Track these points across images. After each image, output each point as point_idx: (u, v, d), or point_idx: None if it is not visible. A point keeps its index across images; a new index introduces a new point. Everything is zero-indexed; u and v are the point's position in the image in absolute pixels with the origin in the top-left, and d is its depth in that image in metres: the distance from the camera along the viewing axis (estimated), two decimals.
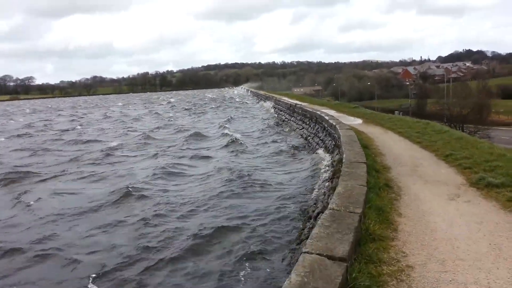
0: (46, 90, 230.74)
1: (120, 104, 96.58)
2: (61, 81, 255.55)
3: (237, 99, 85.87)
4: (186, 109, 62.93)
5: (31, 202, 13.25)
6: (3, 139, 33.24)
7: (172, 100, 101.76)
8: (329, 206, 5.04)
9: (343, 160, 7.87)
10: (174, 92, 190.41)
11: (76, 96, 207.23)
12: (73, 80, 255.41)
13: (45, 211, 12.19)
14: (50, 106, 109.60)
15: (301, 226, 8.68)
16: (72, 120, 51.85)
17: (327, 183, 10.22)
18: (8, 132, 39.11)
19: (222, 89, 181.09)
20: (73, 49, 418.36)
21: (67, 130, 38.66)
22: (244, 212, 10.82)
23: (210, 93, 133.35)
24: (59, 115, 66.69)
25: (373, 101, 78.43)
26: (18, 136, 35.13)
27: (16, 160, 22.12)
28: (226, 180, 14.23)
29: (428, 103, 61.51)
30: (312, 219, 8.27)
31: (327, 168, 12.25)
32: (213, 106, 66.31)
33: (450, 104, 47.97)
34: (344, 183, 6.04)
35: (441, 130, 13.39)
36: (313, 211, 9.02)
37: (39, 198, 13.70)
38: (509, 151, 9.88)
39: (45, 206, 12.82)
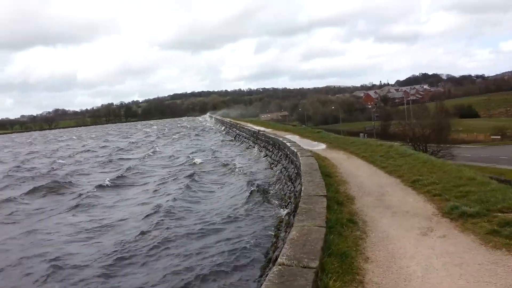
0: (6, 126, 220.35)
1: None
2: (22, 116, 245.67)
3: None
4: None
5: None
6: None
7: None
8: (278, 260, 3.98)
9: (301, 194, 6.90)
10: (139, 122, 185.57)
11: (37, 130, 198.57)
12: (34, 114, 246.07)
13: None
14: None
15: (259, 272, 7.49)
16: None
17: (287, 217, 9.21)
18: None
19: (185, 118, 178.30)
20: (33, 82, 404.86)
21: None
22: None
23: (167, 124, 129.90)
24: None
25: (338, 124, 79.72)
26: None
27: None
28: None
29: (391, 124, 62.86)
30: (271, 264, 7.16)
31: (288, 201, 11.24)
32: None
33: (412, 125, 48.92)
34: (299, 225, 5.03)
35: (405, 153, 12.78)
36: (273, 252, 7.93)
37: None
38: (478, 173, 9.25)
39: None
